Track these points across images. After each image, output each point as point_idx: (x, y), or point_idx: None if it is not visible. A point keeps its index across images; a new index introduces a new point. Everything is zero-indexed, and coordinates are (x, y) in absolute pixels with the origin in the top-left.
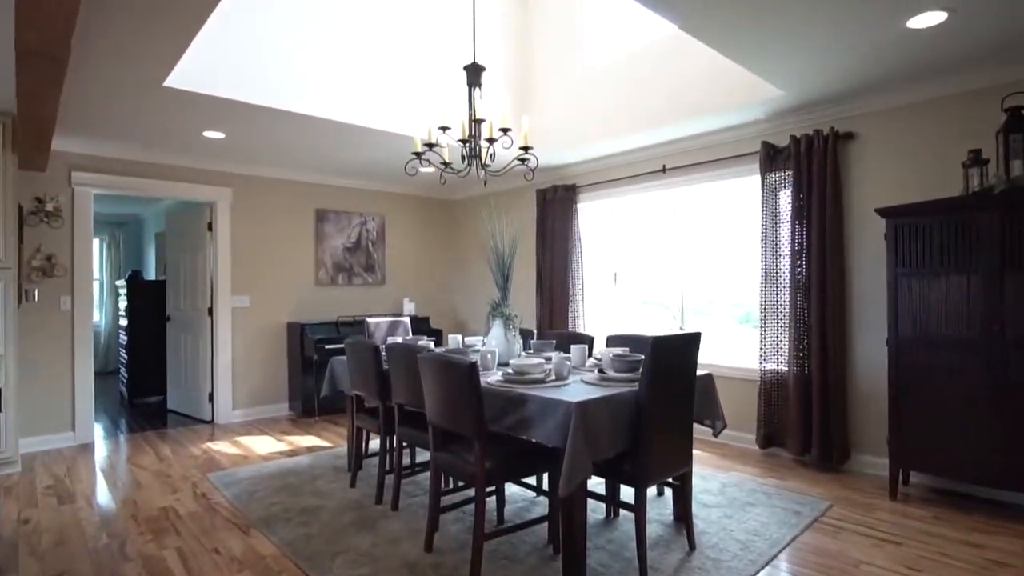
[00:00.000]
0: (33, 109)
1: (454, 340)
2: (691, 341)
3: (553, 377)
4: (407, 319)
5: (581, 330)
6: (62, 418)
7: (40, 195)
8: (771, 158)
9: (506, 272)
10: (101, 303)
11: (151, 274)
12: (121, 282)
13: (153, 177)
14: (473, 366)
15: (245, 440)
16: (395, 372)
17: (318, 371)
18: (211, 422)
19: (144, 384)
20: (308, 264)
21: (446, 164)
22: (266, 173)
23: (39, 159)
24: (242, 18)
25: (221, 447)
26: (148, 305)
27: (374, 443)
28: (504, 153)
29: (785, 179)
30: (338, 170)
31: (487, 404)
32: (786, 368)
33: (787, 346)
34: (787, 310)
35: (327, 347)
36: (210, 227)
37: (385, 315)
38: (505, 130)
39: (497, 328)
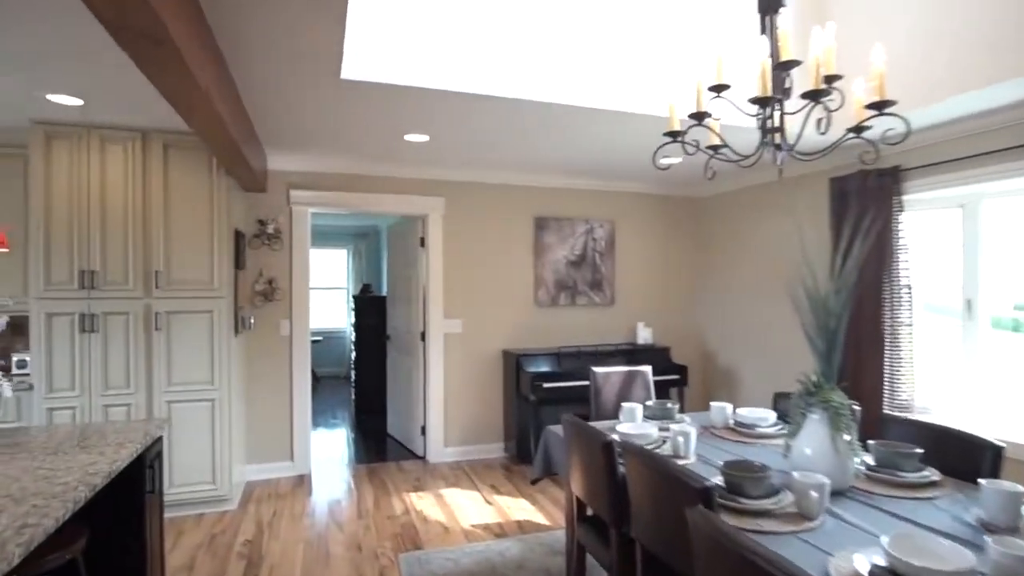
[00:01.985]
0: (190, 119)
1: (719, 411)
2: None
3: None
4: (647, 370)
5: (907, 389)
6: (281, 447)
7: (262, 217)
8: None
9: (834, 328)
10: (349, 311)
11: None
12: (351, 296)
13: (364, 191)
14: None
15: (451, 495)
16: (638, 497)
17: (536, 413)
18: (423, 458)
19: (369, 401)
20: (526, 282)
21: (715, 147)
22: (478, 177)
23: (248, 178)
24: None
25: (424, 504)
26: (374, 321)
27: None
28: (803, 122)
29: None
30: (560, 168)
31: None
32: None
33: None
34: None
35: (546, 385)
36: (422, 242)
37: (616, 348)
38: (831, 79)
39: (817, 426)
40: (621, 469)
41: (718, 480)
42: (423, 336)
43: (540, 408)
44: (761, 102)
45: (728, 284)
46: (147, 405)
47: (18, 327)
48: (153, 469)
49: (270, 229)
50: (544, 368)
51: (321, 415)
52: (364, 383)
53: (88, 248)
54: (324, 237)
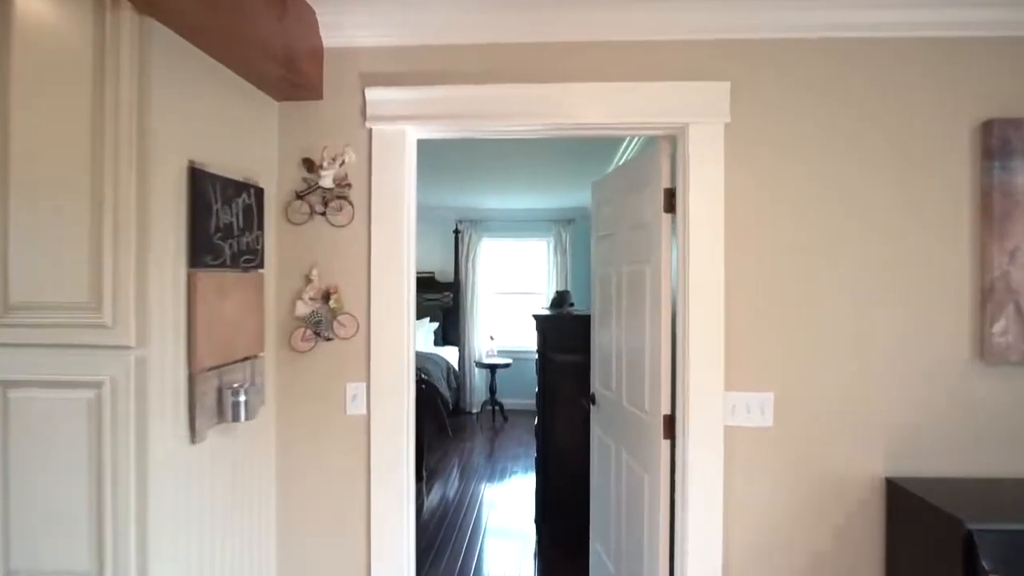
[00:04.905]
0: None
1: None
2: None
3: None
4: None
5: None
6: None
7: (309, 153)
8: None
9: None
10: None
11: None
12: (539, 310)
13: (535, 79)
14: None
15: None
16: None
17: None
18: None
19: (558, 480)
20: (951, 296)
21: None
22: (824, 25)
23: (267, 69)
24: None
25: None
26: (570, 356)
27: None
28: None
29: None
30: None
31: None
32: None
33: None
34: None
35: None
36: (670, 200)
37: None
38: None
39: None
40: None
41: None
42: (670, 423)
43: None
44: None
45: None
46: None
47: None
48: None
49: (326, 179)
50: None
51: (496, 470)
52: (551, 453)
53: None
54: (512, 225)
